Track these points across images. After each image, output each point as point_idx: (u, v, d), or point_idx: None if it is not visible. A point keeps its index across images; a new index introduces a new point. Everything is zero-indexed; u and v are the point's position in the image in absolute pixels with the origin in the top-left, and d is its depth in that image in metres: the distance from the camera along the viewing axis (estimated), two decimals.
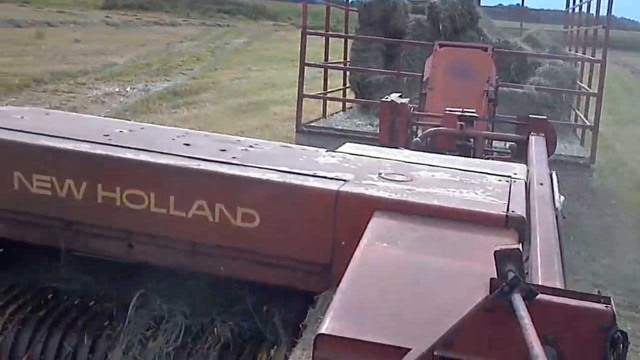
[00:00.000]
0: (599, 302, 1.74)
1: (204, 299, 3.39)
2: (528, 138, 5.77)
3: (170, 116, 15.01)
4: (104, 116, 13.50)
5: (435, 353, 1.74)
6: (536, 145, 5.22)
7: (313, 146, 3.80)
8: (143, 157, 3.15)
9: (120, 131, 3.58)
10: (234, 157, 3.24)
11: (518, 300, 1.61)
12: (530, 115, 6.54)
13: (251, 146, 3.55)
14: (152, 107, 15.63)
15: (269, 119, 15.52)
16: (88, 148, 3.20)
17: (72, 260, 3.54)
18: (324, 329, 1.98)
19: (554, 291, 1.78)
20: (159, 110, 15.43)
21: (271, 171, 3.08)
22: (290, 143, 5.10)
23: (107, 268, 3.50)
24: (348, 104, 14.46)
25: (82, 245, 3.29)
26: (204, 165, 3.10)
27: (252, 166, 3.13)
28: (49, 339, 3.30)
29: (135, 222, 3.11)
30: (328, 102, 13.63)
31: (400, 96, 7.28)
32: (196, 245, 3.10)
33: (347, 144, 3.87)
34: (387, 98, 7.04)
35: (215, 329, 3.24)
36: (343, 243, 2.78)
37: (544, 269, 2.22)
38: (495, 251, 1.69)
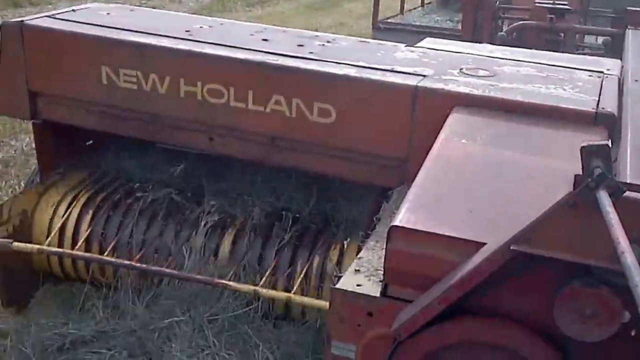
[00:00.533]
0: None
1: (281, 191, 3.44)
2: (624, 32, 5.44)
3: (244, 14, 14.89)
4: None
5: (512, 247, 1.69)
6: (633, 39, 4.87)
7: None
8: (223, 52, 3.12)
9: (201, 27, 3.56)
10: (311, 53, 3.18)
11: (604, 196, 1.53)
12: (628, 8, 6.13)
13: (329, 41, 3.46)
14: (227, 6, 15.51)
15: (343, 17, 15.16)
16: (171, 43, 3.20)
17: (157, 152, 3.64)
18: (399, 221, 1.95)
19: None
20: (234, 9, 15.32)
21: (348, 66, 3.00)
22: None
23: (190, 160, 3.58)
24: None
25: (166, 138, 3.35)
26: (282, 61, 3.05)
27: (329, 61, 3.06)
28: (136, 225, 3.43)
29: (216, 116, 3.12)
30: None
31: None
32: (274, 139, 3.10)
33: (428, 38, 3.74)
34: None
35: (290, 218, 3.30)
36: (420, 139, 2.71)
37: (633, 167, 2.10)
38: (582, 147, 1.60)
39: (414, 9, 13.63)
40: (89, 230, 3.48)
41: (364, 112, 2.89)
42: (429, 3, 14.19)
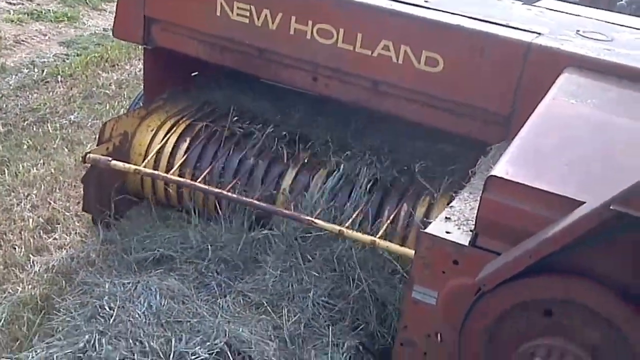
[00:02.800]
0: None
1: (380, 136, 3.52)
2: None
3: None
4: None
5: (612, 207, 1.72)
6: None
7: None
8: None
9: None
10: (426, 1, 3.22)
11: None
12: None
13: None
14: None
15: None
16: None
17: (261, 87, 3.78)
18: (497, 171, 2.01)
19: None
20: None
21: (462, 17, 3.03)
22: None
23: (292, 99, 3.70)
24: None
25: (272, 74, 3.48)
26: (394, 6, 3.10)
27: (443, 11, 3.10)
28: (231, 155, 3.58)
29: (322, 56, 3.21)
30: None
31: None
32: (378, 83, 3.17)
33: None
34: None
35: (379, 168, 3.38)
36: (526, 97, 2.74)
37: None
38: None
39: None
40: (184, 157, 3.63)
41: (473, 64, 2.93)
42: None
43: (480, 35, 2.91)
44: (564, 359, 1.93)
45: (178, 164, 3.61)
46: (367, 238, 3.03)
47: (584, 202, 1.86)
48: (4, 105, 5.18)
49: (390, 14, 3.07)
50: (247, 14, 3.32)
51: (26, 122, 4.95)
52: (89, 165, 3.57)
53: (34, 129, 4.88)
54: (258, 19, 3.31)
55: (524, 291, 1.95)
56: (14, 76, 5.68)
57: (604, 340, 1.91)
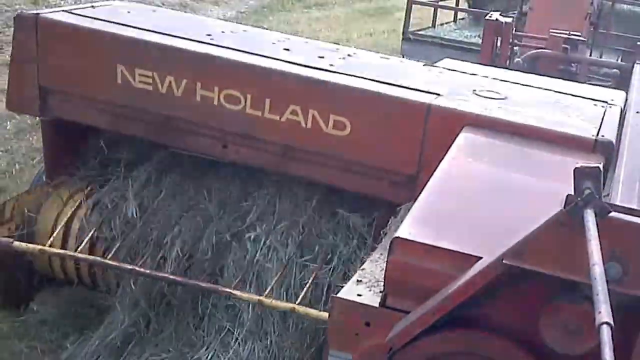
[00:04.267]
0: None
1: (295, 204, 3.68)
2: (633, 66, 5.78)
3: (303, 15, 16.15)
4: (243, 10, 14.65)
5: (504, 262, 1.92)
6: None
7: (417, 55, 3.95)
8: (242, 58, 3.37)
9: (223, 32, 3.81)
10: (331, 65, 3.43)
11: (590, 215, 1.76)
12: (639, 43, 6.50)
13: (349, 55, 3.73)
14: (287, 7, 16.50)
15: (395, 24, 15.99)
16: (190, 46, 3.44)
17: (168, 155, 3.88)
18: (401, 232, 2.19)
19: (628, 210, 1.90)
20: (293, 10, 16.51)
21: (366, 80, 3.26)
22: None
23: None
24: (460, 14, 14.26)
25: (179, 142, 3.59)
26: (301, 71, 3.30)
27: (348, 74, 3.32)
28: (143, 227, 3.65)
29: (231, 123, 3.36)
30: (439, 12, 13.49)
31: (503, 14, 7.30)
32: (288, 148, 3.35)
33: (446, 59, 4.03)
34: (490, 16, 7.07)
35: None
36: (430, 156, 2.95)
37: (623, 192, 2.34)
38: (575, 168, 1.82)
39: (447, 23, 13.98)
40: (93, 233, 3.64)
41: (378, 126, 3.15)
42: (462, 19, 14.55)
43: (382, 97, 3.15)
44: None
45: (86, 240, 3.61)
46: (288, 305, 3.16)
47: (482, 258, 2.06)
48: (10, 147, 5.42)
49: (297, 79, 3.27)
50: (150, 80, 3.42)
51: (35, 160, 5.19)
52: None
53: None
54: (162, 85, 3.41)
55: (430, 347, 2.10)
56: (9, 122, 5.79)
57: None
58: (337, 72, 3.35)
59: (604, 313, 1.40)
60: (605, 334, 1.36)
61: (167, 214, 3.66)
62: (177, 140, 3.58)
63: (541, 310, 1.95)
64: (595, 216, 1.78)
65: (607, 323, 1.37)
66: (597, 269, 1.53)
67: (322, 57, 3.56)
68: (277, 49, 3.60)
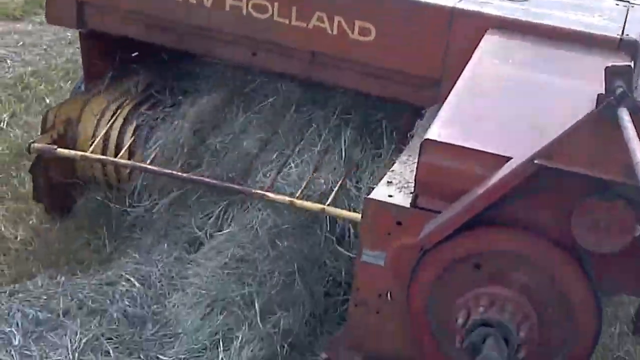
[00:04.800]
0: None
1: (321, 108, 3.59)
2: None
3: None
4: None
5: (536, 162, 1.84)
6: None
7: None
8: None
9: None
10: None
11: (624, 113, 1.66)
12: None
13: None
14: None
15: None
16: None
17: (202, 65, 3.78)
18: (430, 134, 2.11)
19: None
20: None
21: None
22: None
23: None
24: None
25: (211, 51, 3.50)
26: None
27: None
28: (179, 134, 3.59)
29: (259, 31, 3.24)
30: None
31: None
32: (315, 55, 3.23)
33: None
34: None
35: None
36: (454, 60, 2.83)
37: None
38: (606, 67, 1.72)
39: None
40: (132, 139, 3.62)
41: (403, 32, 3.01)
42: None
43: (407, 3, 3.00)
44: (505, 307, 2.03)
45: (126, 146, 3.60)
46: (317, 206, 3.12)
47: (512, 158, 1.97)
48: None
49: None
50: None
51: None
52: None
53: None
54: None
55: (462, 246, 2.06)
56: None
57: (537, 285, 2.04)
58: None
59: None
60: None
61: (201, 120, 3.58)
62: (209, 49, 3.49)
63: (573, 209, 1.87)
64: (630, 115, 1.68)
65: None
66: None
67: None
68: None
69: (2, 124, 4.70)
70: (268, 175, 3.36)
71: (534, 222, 2.00)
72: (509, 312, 2.01)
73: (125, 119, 3.69)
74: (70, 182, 3.76)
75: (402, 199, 2.22)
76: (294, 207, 3.18)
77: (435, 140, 2.09)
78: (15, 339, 2.82)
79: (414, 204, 2.18)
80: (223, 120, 3.59)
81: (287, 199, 3.16)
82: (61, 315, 2.98)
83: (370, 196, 2.25)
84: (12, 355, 2.75)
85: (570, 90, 2.34)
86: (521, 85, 2.42)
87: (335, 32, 3.11)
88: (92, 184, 3.82)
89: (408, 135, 2.82)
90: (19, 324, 2.88)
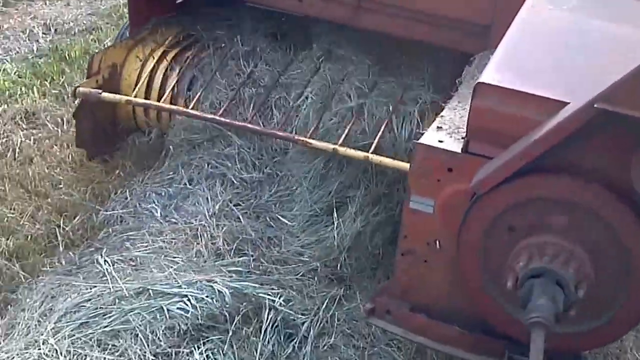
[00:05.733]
0: None
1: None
2: None
3: None
4: None
5: (596, 106, 1.79)
6: None
7: None
8: None
9: None
10: None
11: None
12: None
13: None
14: None
15: None
16: None
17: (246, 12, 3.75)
18: (485, 78, 2.07)
19: None
20: None
21: None
22: None
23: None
24: None
25: None
26: None
27: None
28: (220, 82, 3.58)
29: None
30: None
31: None
32: (361, 1, 3.19)
33: None
34: None
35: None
36: (505, 5, 2.77)
37: None
38: None
39: None
40: (174, 85, 3.63)
41: None
42: None
43: None
44: (560, 256, 2.01)
45: (168, 91, 3.62)
46: (360, 154, 3.10)
47: (568, 103, 1.94)
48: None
49: None
50: None
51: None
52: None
53: None
54: None
55: (516, 192, 2.03)
56: None
57: (598, 237, 2.01)
58: None
59: None
60: None
61: (241, 68, 3.59)
62: None
63: (632, 156, 1.84)
64: None
65: None
66: None
67: None
68: None
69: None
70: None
71: (592, 171, 1.96)
72: (573, 269, 1.99)
73: (169, 64, 3.70)
74: (113, 127, 3.80)
75: (453, 144, 2.19)
76: (338, 155, 3.18)
77: (490, 84, 2.05)
78: (157, 212, 3.28)
79: (465, 149, 2.15)
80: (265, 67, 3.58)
81: (331, 146, 3.16)
82: (187, 184, 3.37)
83: (420, 141, 2.23)
84: (161, 222, 3.21)
85: (628, 37, 2.28)
86: (577, 32, 2.36)
87: None
88: (134, 129, 3.86)
89: (457, 81, 2.78)
90: (156, 201, 3.35)
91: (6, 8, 5.70)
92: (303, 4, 3.34)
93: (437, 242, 2.28)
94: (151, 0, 3.81)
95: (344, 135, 3.19)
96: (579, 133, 1.87)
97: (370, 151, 3.11)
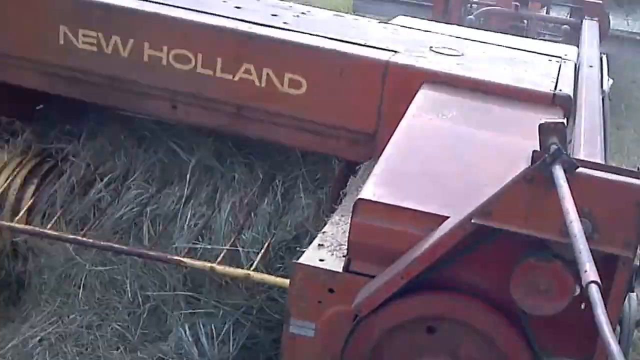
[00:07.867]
0: (637, 177, 1.86)
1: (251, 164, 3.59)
2: (581, 22, 5.93)
3: None
4: None
5: (473, 221, 1.88)
6: (589, 29, 5.41)
7: (370, 12, 3.89)
8: (192, 16, 3.25)
9: None
10: (285, 23, 3.33)
11: (559, 170, 1.73)
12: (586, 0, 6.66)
13: (303, 13, 3.63)
14: None
15: None
16: (136, 5, 3.30)
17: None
18: (364, 194, 2.13)
19: (594, 165, 1.87)
20: None
21: (321, 38, 3.18)
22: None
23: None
24: None
25: (127, 104, 3.46)
26: (254, 29, 3.19)
27: (302, 32, 3.23)
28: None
29: (181, 83, 3.25)
30: None
31: None
32: (241, 108, 3.24)
33: (400, 16, 3.98)
34: None
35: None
36: (389, 114, 2.90)
37: (586, 147, 2.33)
38: (540, 124, 1.79)
39: None
40: (31, 201, 3.51)
41: (335, 84, 3.07)
42: None
43: (339, 55, 3.07)
44: None
45: (24, 208, 3.49)
46: (241, 272, 3.08)
47: (448, 217, 2.01)
48: None
49: (249, 37, 3.16)
50: (95, 41, 3.28)
51: None
52: None
53: None
54: (107, 46, 3.27)
55: (400, 313, 2.06)
56: None
57: (475, 348, 2.06)
58: (292, 30, 3.26)
59: (590, 272, 1.35)
60: (595, 293, 1.31)
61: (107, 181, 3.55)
62: (124, 102, 3.45)
63: (511, 270, 1.92)
64: (564, 172, 1.75)
65: (595, 282, 1.32)
66: (576, 225, 1.50)
67: (275, 15, 3.46)
68: (228, 6, 3.48)
69: None
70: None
71: (471, 286, 2.02)
72: None
73: (25, 178, 3.60)
74: None
75: (334, 263, 2.20)
76: (216, 274, 3.15)
77: (370, 200, 2.11)
78: None
79: (347, 268, 2.17)
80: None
81: (208, 264, 3.11)
82: None
83: (300, 260, 2.23)
84: None
85: (506, 147, 2.43)
86: (457, 141, 2.50)
87: (263, 84, 3.14)
88: None
89: (341, 193, 2.85)
90: None
91: None
92: (178, 111, 3.34)
93: None
94: (6, 106, 3.71)
95: (221, 255, 3.16)
96: (458, 249, 1.94)
97: (252, 268, 3.11)
